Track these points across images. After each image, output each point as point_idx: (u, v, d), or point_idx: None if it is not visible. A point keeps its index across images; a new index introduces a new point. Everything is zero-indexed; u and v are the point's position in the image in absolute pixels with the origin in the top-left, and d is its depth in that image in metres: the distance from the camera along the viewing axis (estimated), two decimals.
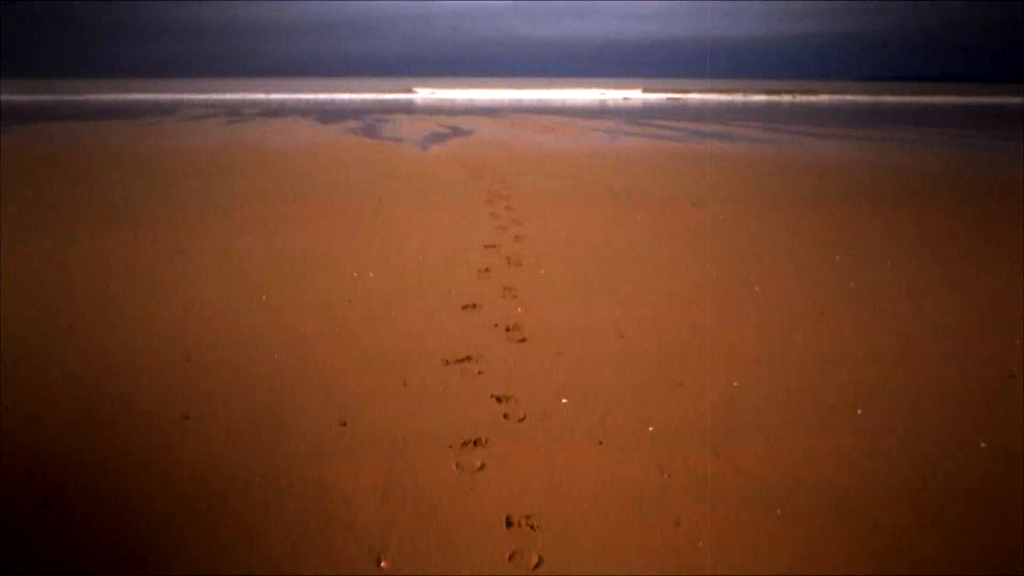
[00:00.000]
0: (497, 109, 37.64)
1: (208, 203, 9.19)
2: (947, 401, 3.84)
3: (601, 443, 3.36)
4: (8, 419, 3.55)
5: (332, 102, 45.61)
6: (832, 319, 5.08)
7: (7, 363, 4.21)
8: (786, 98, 58.37)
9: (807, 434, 3.47)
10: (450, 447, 3.31)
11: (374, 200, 9.44)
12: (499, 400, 3.79)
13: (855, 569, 2.54)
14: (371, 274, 6.04)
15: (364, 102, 46.23)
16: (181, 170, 12.44)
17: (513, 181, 11.16)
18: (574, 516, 2.80)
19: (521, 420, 3.59)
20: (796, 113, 36.47)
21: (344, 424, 3.53)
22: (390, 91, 64.68)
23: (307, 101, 47.37)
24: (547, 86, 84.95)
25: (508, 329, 4.81)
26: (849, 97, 60.39)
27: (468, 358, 4.33)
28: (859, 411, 3.70)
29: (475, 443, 3.35)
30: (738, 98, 58.56)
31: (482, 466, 3.16)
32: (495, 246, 6.99)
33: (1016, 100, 51.21)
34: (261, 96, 54.46)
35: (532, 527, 2.73)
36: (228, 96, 53.66)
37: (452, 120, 27.83)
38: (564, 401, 3.79)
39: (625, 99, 55.83)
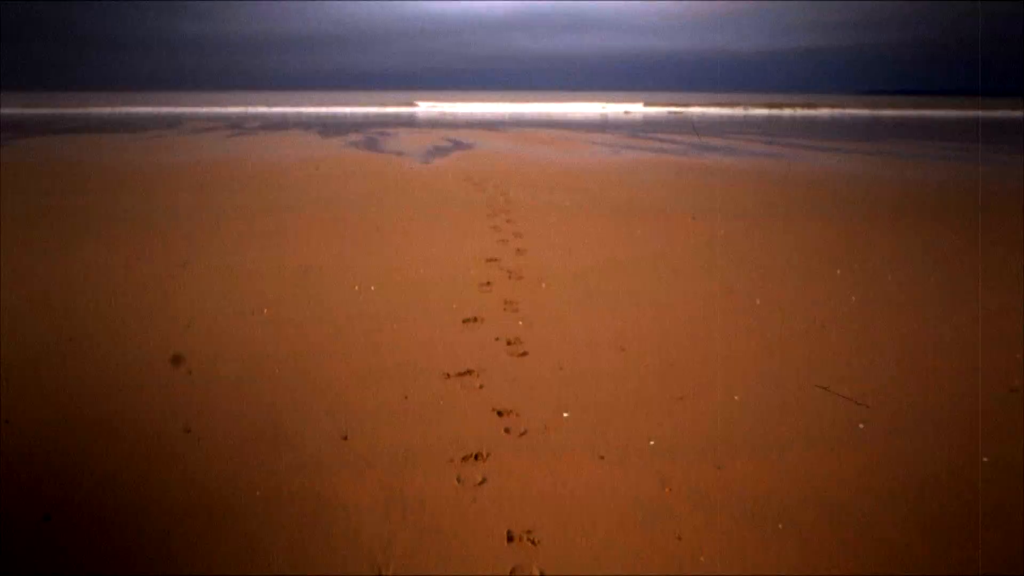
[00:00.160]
0: (499, 123, 37.74)
1: (210, 216, 9.21)
2: (949, 415, 3.83)
3: (602, 457, 3.36)
4: (9, 432, 3.55)
5: (334, 115, 45.74)
6: (834, 333, 5.08)
7: (9, 376, 4.21)
8: (787, 112, 58.50)
9: (809, 448, 3.46)
10: (451, 461, 3.31)
11: (376, 213, 9.46)
12: (500, 414, 3.79)
13: None
14: (372, 287, 6.05)
15: (366, 115, 46.37)
16: (183, 183, 12.47)
17: (515, 194, 11.19)
18: (575, 530, 2.80)
19: (522, 434, 3.58)
20: (797, 127, 36.55)
21: (345, 438, 3.52)
22: (392, 104, 64.87)
23: (309, 114, 47.51)
24: (548, 100, 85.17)
25: (509, 343, 4.82)
26: (850, 111, 60.51)
27: (469, 372, 4.33)
28: (860, 425, 3.70)
29: (476, 457, 3.35)
30: (739, 112, 58.70)
31: (483, 480, 3.16)
32: (496, 259, 7.00)
33: (1017, 114, 51.28)
34: (263, 109, 54.61)
35: (533, 541, 2.73)
36: (230, 109, 53.82)
37: (454, 133, 27.90)
38: (565, 415, 3.79)
39: (626, 113, 55.96)
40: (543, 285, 6.17)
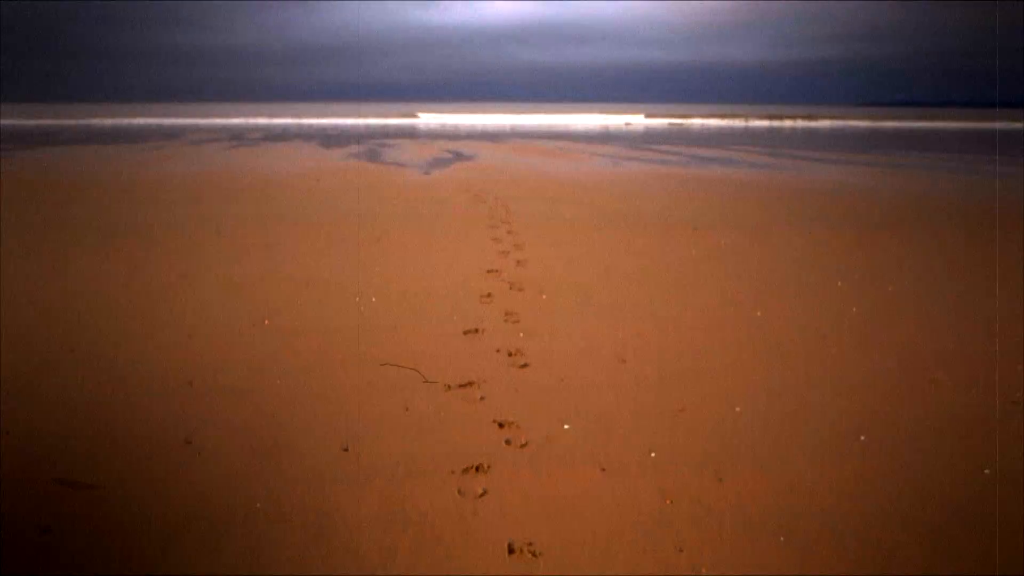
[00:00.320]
0: (500, 134, 37.82)
1: (211, 227, 9.22)
2: (950, 427, 3.83)
3: (603, 469, 3.35)
4: (8, 443, 3.55)
5: (335, 127, 45.87)
6: (834, 344, 5.08)
7: (8, 387, 4.21)
8: (787, 123, 58.61)
9: (810, 460, 3.45)
10: (452, 473, 3.31)
11: (377, 224, 9.47)
12: (501, 426, 3.78)
13: None
14: (373, 299, 6.05)
15: (367, 127, 46.49)
16: (184, 194, 12.49)
17: (515, 206, 11.20)
18: (576, 543, 2.79)
19: (523, 446, 3.58)
20: (797, 138, 36.61)
21: (346, 449, 3.52)
22: (393, 116, 65.07)
23: (310, 126, 47.64)
24: (549, 111, 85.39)
25: (510, 354, 4.81)
26: (850, 123, 60.65)
27: (470, 383, 4.32)
28: (862, 437, 3.69)
29: (477, 469, 3.34)
30: (740, 123, 58.83)
31: (484, 492, 3.15)
32: (497, 271, 7.01)
33: (1017, 126, 51.40)
34: (264, 121, 54.78)
35: (534, 554, 2.72)
36: (231, 121, 53.97)
37: (455, 145, 27.96)
38: (566, 427, 3.78)
39: (627, 124, 56.09)
40: (544, 296, 6.17)
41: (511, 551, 2.74)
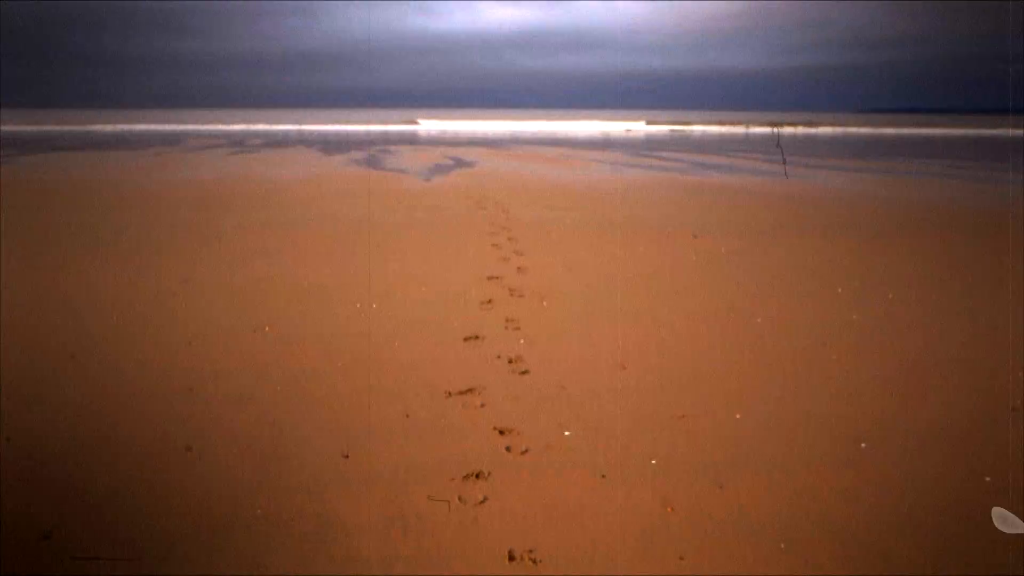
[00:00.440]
0: (500, 141, 37.86)
1: (212, 234, 9.23)
2: (951, 434, 3.82)
3: (604, 476, 3.35)
4: (9, 450, 3.55)
5: (336, 133, 45.92)
6: (835, 351, 5.08)
7: (9, 393, 4.21)
8: (788, 130, 58.69)
9: (810, 467, 3.45)
10: (452, 480, 3.31)
11: (377, 231, 9.48)
12: (501, 433, 3.78)
13: None
14: (374, 305, 6.06)
15: (368, 133, 46.55)
16: (185, 201, 12.51)
17: (516, 212, 11.21)
18: (577, 550, 2.79)
19: (523, 453, 3.58)
20: (798, 145, 36.64)
21: (346, 456, 3.52)
22: (393, 122, 65.16)
23: (311, 132, 47.71)
24: (550, 118, 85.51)
25: (510, 361, 4.81)
26: (851, 129, 60.74)
27: (470, 390, 4.32)
28: (863, 444, 3.69)
29: (477, 476, 3.34)
30: (740, 130, 58.93)
31: (484, 499, 3.15)
32: (498, 277, 7.01)
33: (1018, 132, 51.41)
34: (265, 127, 54.83)
35: (534, 561, 2.72)
36: (232, 127, 54.03)
37: (455, 151, 27.99)
38: (567, 434, 3.78)
39: (628, 131, 56.16)
40: (544, 303, 6.17)
41: (511, 558, 2.74)
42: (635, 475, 3.37)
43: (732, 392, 4.35)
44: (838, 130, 59.78)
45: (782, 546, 2.82)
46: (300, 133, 46.17)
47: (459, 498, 3.15)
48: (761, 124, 64.32)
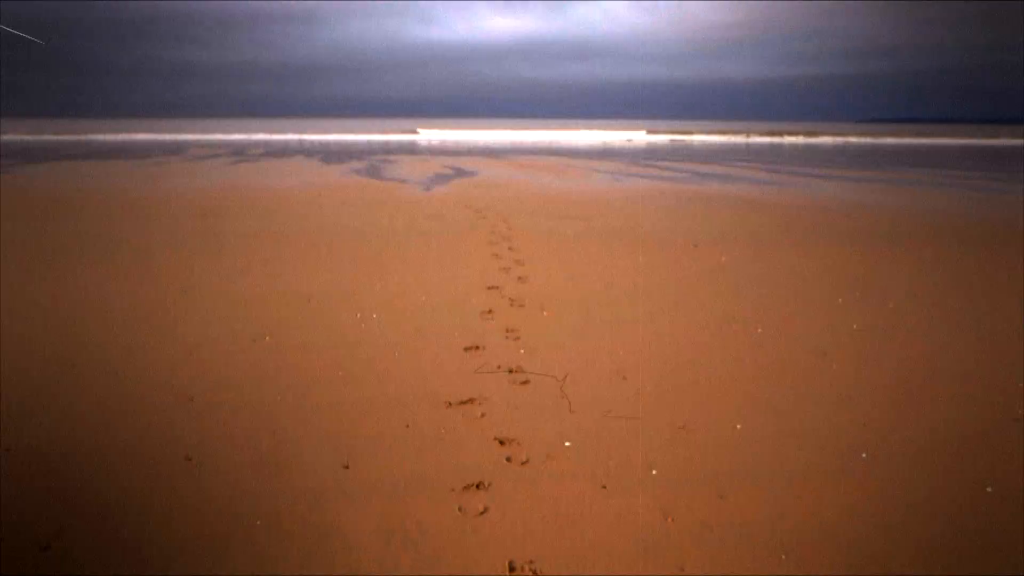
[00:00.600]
0: (500, 151, 37.91)
1: (212, 243, 9.24)
2: (952, 445, 3.82)
3: (604, 487, 3.35)
4: (8, 461, 3.55)
5: (336, 143, 46.01)
6: (835, 361, 5.08)
7: (8, 403, 4.21)
8: (788, 140, 58.78)
9: (811, 478, 3.45)
10: (452, 490, 3.30)
11: (377, 241, 9.48)
12: (502, 443, 3.78)
13: None
14: (374, 315, 6.06)
15: (368, 143, 46.64)
16: (185, 210, 12.52)
17: (516, 222, 11.22)
18: (577, 561, 2.78)
19: (524, 463, 3.57)
20: (798, 155, 36.68)
21: (347, 467, 3.51)
22: (394, 132, 65.29)
23: (312, 142, 47.81)
24: (550, 128, 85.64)
25: (511, 371, 4.81)
26: (851, 139, 60.83)
27: (471, 400, 4.32)
28: (864, 454, 3.68)
29: (478, 486, 3.33)
30: (741, 140, 59.02)
31: (485, 510, 3.14)
32: (498, 287, 7.01)
33: (1018, 142, 51.46)
34: (265, 136, 54.96)
35: (535, 572, 2.71)
36: (233, 136, 54.14)
37: (455, 161, 28.03)
38: (567, 444, 3.77)
39: (628, 140, 56.24)
40: (544, 313, 6.17)
41: (512, 569, 2.73)
42: (636, 486, 3.36)
43: (733, 402, 4.34)
44: (839, 140, 59.88)
45: (783, 556, 2.82)
46: (301, 143, 46.26)
47: (459, 509, 3.15)
48: (762, 133, 64.40)
